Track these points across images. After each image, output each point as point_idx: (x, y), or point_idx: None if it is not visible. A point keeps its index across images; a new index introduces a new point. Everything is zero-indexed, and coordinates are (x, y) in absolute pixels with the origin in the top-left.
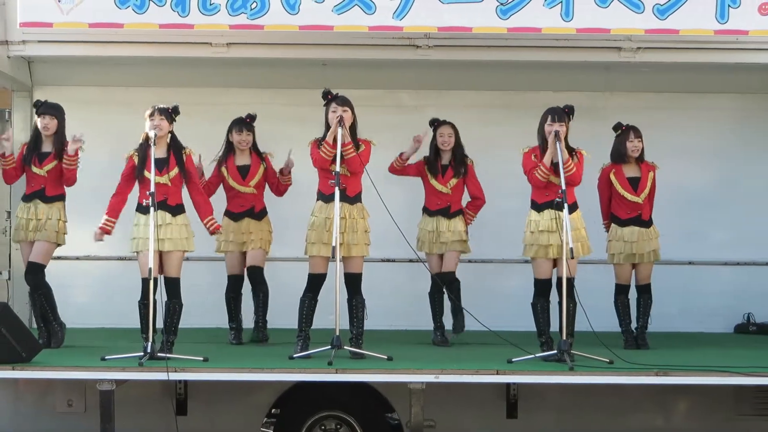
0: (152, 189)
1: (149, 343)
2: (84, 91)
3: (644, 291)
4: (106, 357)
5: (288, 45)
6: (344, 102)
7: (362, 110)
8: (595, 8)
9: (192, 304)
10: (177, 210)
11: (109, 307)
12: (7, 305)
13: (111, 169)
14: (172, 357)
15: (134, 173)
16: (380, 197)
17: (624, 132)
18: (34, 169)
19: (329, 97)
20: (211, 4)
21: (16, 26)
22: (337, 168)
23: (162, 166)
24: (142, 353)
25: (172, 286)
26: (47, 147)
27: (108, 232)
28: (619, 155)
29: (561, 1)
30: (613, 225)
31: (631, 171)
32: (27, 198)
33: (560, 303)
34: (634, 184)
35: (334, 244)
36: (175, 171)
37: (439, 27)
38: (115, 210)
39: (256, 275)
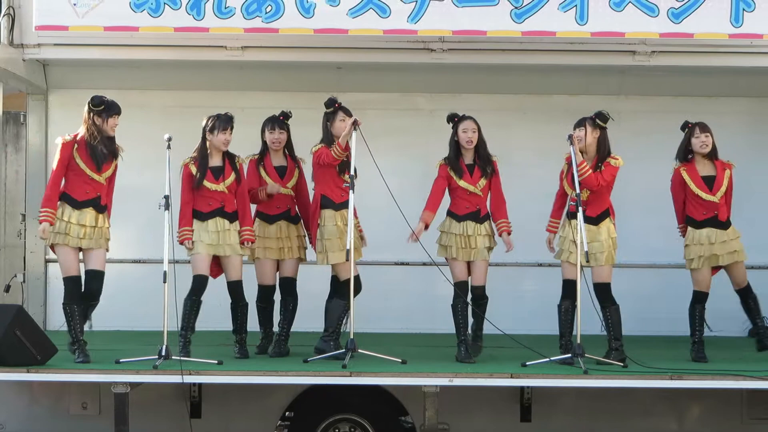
0: (167, 192)
1: (163, 346)
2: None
3: (745, 293)
4: (121, 360)
5: (303, 48)
6: (348, 112)
7: (377, 113)
8: (609, 12)
9: (207, 307)
10: (234, 216)
11: (124, 309)
12: (22, 308)
13: (127, 171)
14: (186, 360)
15: (192, 182)
16: (394, 199)
17: (690, 129)
18: (94, 176)
19: (336, 106)
20: (226, 8)
21: (31, 29)
22: (352, 171)
23: (218, 174)
24: (157, 356)
25: (236, 287)
26: (105, 149)
27: (191, 239)
28: (685, 153)
29: (576, 5)
30: (689, 228)
31: (705, 169)
32: (79, 204)
33: (596, 308)
34: (710, 182)
35: (348, 247)
36: (231, 178)
37: (454, 30)
38: (188, 218)
39: (289, 286)
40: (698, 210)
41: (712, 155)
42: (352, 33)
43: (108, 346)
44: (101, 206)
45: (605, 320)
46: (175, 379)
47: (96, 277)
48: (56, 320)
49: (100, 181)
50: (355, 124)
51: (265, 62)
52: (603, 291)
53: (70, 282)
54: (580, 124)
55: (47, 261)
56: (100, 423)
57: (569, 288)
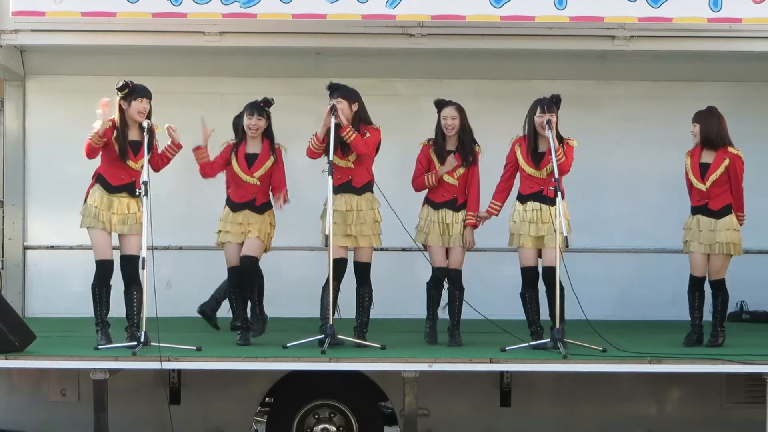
0: (145, 178)
1: (142, 332)
2: (77, 80)
3: (716, 287)
4: (100, 346)
5: (281, 34)
6: (341, 94)
7: None
8: None
9: (186, 294)
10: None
11: None
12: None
13: None
14: (164, 346)
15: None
16: (377, 186)
17: None
18: (130, 164)
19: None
20: None
21: (8, 15)
22: (330, 157)
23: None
24: (135, 342)
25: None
26: (136, 135)
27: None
28: None
29: None
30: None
31: (707, 156)
32: (113, 189)
33: (547, 292)
34: (705, 170)
35: (327, 233)
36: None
37: (432, 15)
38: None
39: (250, 266)
40: (694, 196)
41: (712, 143)
42: (330, 18)
43: (87, 333)
44: (133, 191)
45: (552, 303)
46: (154, 365)
47: (132, 263)
48: (35, 307)
49: (136, 168)
50: (333, 109)
51: (244, 48)
52: (554, 275)
53: (99, 265)
54: (550, 108)
55: (25, 248)
56: (79, 409)
57: (530, 275)
